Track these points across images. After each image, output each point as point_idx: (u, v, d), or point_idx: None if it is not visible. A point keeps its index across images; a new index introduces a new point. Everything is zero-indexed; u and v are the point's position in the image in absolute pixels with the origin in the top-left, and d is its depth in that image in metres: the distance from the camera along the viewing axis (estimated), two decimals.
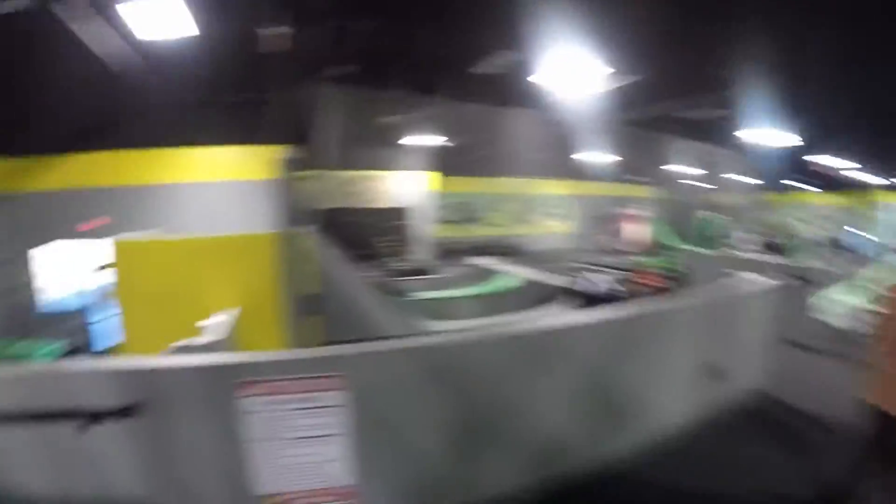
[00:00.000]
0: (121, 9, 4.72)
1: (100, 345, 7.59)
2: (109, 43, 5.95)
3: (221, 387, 2.42)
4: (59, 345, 7.48)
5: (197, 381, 2.47)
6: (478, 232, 12.79)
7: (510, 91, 9.62)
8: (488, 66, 8.55)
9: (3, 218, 7.94)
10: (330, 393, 2.50)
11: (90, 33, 5.74)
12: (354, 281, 5.19)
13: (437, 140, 10.87)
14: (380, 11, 6.52)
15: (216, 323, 3.52)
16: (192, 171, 8.66)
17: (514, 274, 8.88)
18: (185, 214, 8.23)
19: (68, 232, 8.02)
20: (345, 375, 2.48)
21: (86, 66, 6.34)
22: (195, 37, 5.25)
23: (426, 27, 6.92)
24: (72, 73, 6.64)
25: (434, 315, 6.56)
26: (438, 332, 5.95)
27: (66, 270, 8.21)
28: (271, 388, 2.46)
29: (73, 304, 8.18)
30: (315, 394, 2.50)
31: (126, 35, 5.59)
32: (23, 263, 7.96)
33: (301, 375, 2.45)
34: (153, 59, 6.29)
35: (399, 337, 4.93)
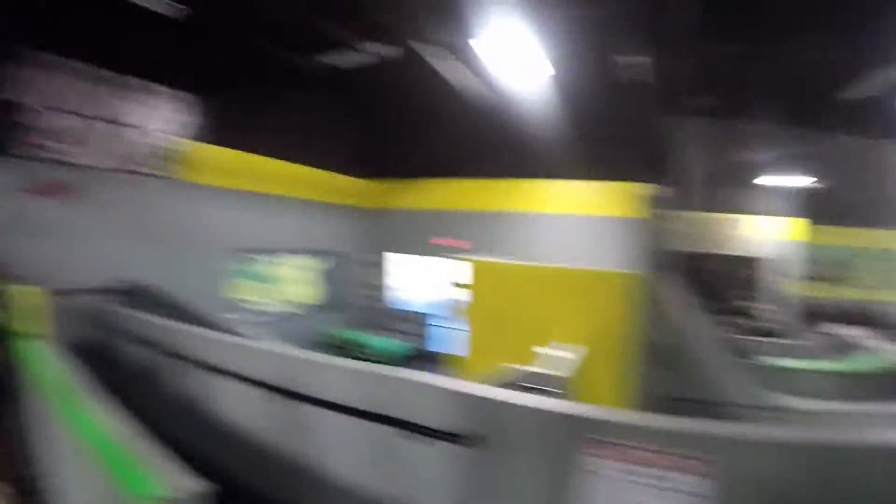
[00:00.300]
0: (480, 51, 5.29)
1: (435, 349, 8.80)
2: (471, 82, 6.83)
3: (564, 437, 2.28)
4: (404, 345, 8.97)
5: (540, 425, 2.38)
6: (844, 293, 10.24)
7: (887, 119, 7.55)
8: (860, 89, 6.79)
9: (376, 228, 10.05)
10: (691, 477, 2.10)
11: (454, 73, 6.66)
12: (706, 336, 4.58)
13: (803, 180, 9.21)
14: (741, 35, 5.82)
15: (562, 358, 3.47)
16: (547, 202, 9.22)
17: (885, 351, 6.97)
18: (536, 243, 8.80)
19: (425, 246, 9.55)
20: (714, 460, 2.05)
21: (452, 103, 7.42)
22: (552, 73, 5.53)
23: (789, 49, 5.91)
24: (440, 109, 7.92)
25: (783, 387, 5.46)
26: (799, 412, 4.85)
27: (417, 279, 9.87)
28: (621, 453, 2.21)
29: (418, 308, 9.74)
30: (673, 473, 2.14)
31: (486, 75, 6.34)
32: (382, 267, 9.82)
33: (659, 448, 2.13)
34: (512, 95, 6.92)
35: (753, 410, 4.14)
